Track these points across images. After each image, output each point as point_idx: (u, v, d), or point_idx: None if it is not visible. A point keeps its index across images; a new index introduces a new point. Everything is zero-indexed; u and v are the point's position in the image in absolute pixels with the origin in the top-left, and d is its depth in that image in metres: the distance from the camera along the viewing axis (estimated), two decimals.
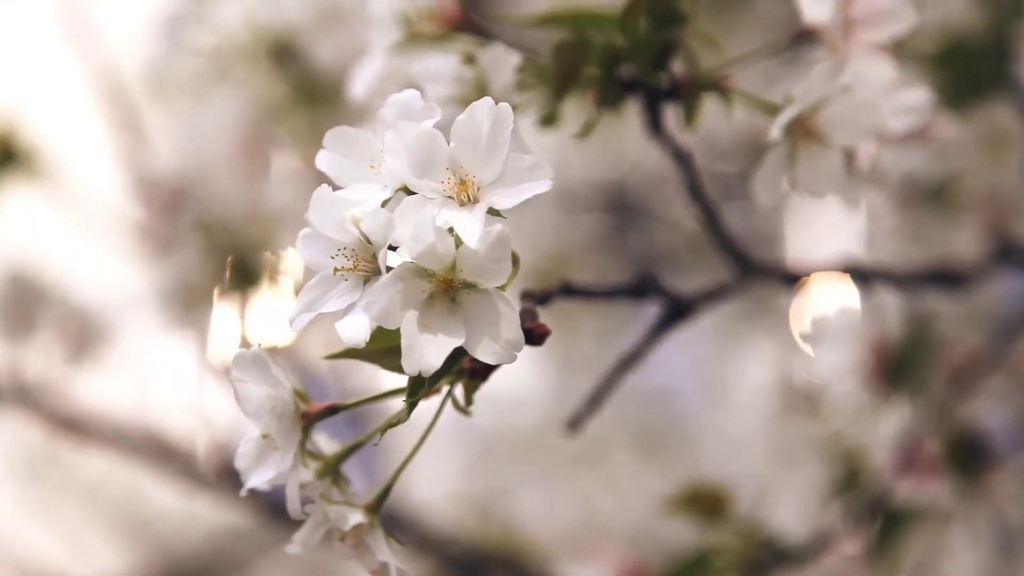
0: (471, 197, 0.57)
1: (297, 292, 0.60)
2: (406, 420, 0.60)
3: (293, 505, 0.60)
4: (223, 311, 1.42)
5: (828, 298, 1.18)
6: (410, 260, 0.55)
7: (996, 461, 1.15)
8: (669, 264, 1.80)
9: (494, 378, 2.03)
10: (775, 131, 0.69)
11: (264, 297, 1.39)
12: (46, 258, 1.67)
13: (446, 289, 0.56)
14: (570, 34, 0.71)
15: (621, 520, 1.72)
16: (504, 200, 0.56)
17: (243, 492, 0.61)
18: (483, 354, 0.56)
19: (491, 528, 1.75)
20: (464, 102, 0.70)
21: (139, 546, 1.88)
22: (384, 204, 0.57)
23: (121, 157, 1.56)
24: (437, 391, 0.62)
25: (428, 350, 0.56)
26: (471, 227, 0.55)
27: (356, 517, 0.61)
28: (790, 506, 1.20)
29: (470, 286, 0.56)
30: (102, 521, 1.93)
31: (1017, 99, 1.05)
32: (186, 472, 1.57)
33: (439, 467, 1.89)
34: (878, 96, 0.71)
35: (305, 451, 0.62)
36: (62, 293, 1.63)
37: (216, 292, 1.43)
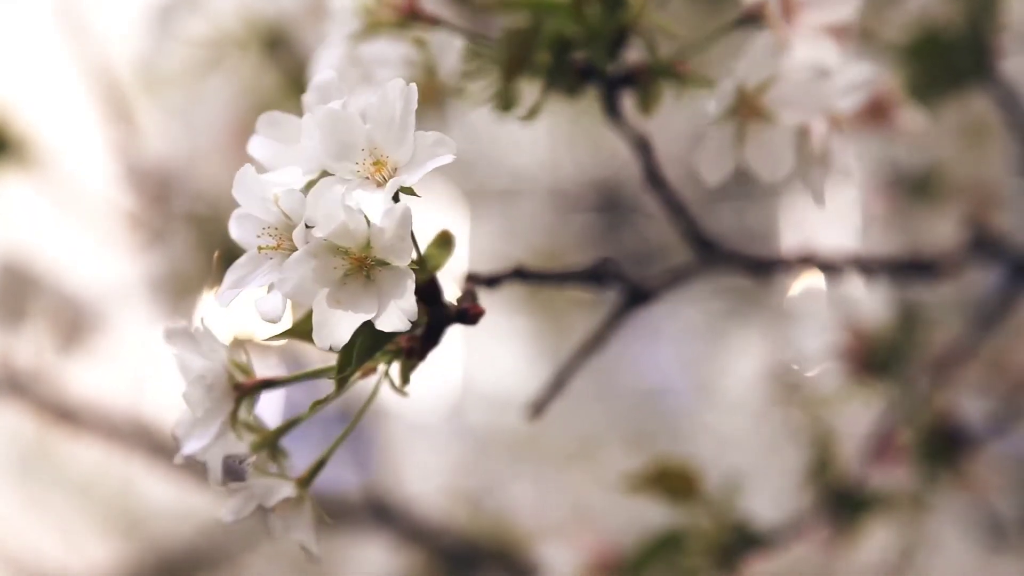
0: (386, 178, 0.58)
1: None
2: (335, 398, 0.61)
3: (213, 475, 0.62)
4: (212, 301, 1.42)
5: (807, 287, 1.18)
6: (323, 238, 0.56)
7: (974, 450, 1.16)
8: (661, 261, 1.80)
9: (486, 374, 2.02)
10: (713, 104, 0.70)
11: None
12: (37, 248, 1.67)
13: (360, 267, 0.57)
14: (521, 20, 0.72)
15: (612, 516, 1.72)
16: (409, 177, 0.57)
17: (176, 460, 0.62)
18: (383, 324, 0.57)
19: (482, 522, 1.74)
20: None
21: (131, 540, 1.88)
22: (309, 186, 0.58)
23: (112, 147, 1.56)
24: (373, 370, 0.63)
25: (339, 325, 0.57)
26: (376, 205, 0.56)
27: (284, 491, 0.61)
28: (770, 493, 1.20)
29: (383, 263, 0.57)
30: (94, 515, 1.93)
31: (996, 91, 1.06)
32: (178, 464, 1.56)
33: (431, 462, 1.89)
34: (822, 76, 0.71)
35: (238, 423, 0.62)
36: (53, 283, 1.63)
37: (207, 282, 1.43)
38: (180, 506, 1.77)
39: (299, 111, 0.62)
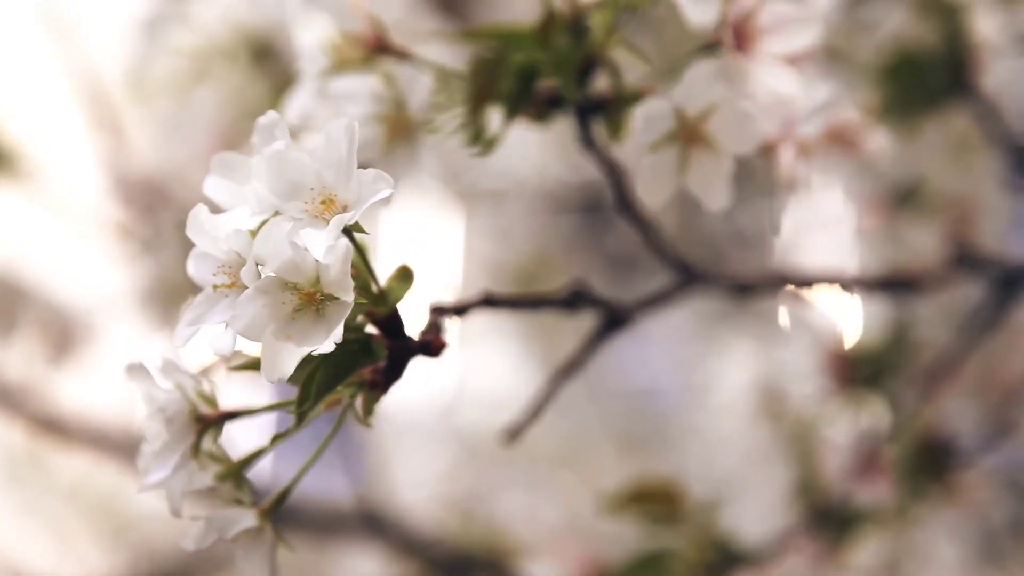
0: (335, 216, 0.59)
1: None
2: (295, 432, 0.62)
3: (173, 506, 0.62)
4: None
5: (794, 303, 1.18)
6: (272, 274, 0.57)
7: (962, 463, 1.16)
8: (648, 265, 1.79)
9: (477, 381, 2.02)
10: (640, 124, 0.70)
11: None
12: (27, 258, 1.67)
13: (310, 301, 0.58)
14: (488, 51, 0.72)
15: (602, 523, 1.72)
16: (353, 214, 0.58)
17: (139, 490, 0.63)
18: (319, 349, 0.57)
19: (474, 530, 1.74)
20: (384, 120, 0.74)
21: (122, 547, 1.88)
22: (263, 225, 0.59)
23: (101, 157, 1.56)
24: (338, 402, 0.63)
25: (286, 358, 0.58)
26: (318, 242, 0.57)
27: (244, 522, 0.61)
28: (757, 504, 1.20)
29: (332, 298, 0.58)
30: (85, 522, 1.93)
31: (977, 106, 1.06)
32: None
33: (423, 469, 1.89)
34: (778, 106, 0.71)
35: (202, 454, 0.63)
36: (43, 293, 1.63)
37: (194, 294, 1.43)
38: (169, 514, 1.76)
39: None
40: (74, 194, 1.62)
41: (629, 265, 1.83)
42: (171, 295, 1.46)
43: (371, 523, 1.55)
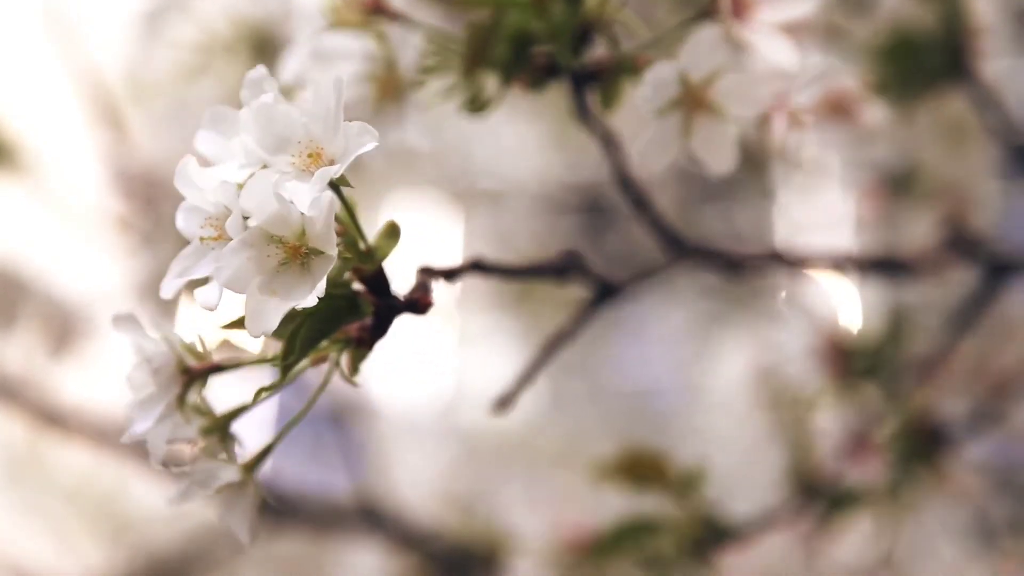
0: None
1: None
2: (281, 386, 0.62)
3: (154, 455, 0.62)
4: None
5: (790, 288, 1.19)
6: (257, 226, 0.57)
7: (953, 449, 1.16)
8: (646, 265, 1.79)
9: (477, 380, 2.01)
10: (649, 91, 0.70)
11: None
12: (27, 252, 1.68)
13: (295, 255, 0.58)
14: (485, 15, 0.72)
15: (602, 518, 1.72)
16: (338, 167, 0.58)
17: (124, 439, 0.63)
18: (302, 303, 0.57)
19: (474, 526, 1.74)
20: (375, 79, 0.75)
21: (122, 544, 1.88)
22: (249, 179, 0.59)
23: (102, 152, 1.57)
24: (323, 359, 0.63)
25: (271, 313, 0.58)
26: (303, 194, 0.57)
27: (227, 475, 0.61)
28: (755, 495, 1.21)
29: (317, 252, 0.58)
30: (84, 522, 1.93)
31: (974, 93, 1.06)
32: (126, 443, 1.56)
33: (422, 465, 1.89)
34: (772, 72, 0.71)
35: (188, 408, 0.63)
36: (43, 287, 1.64)
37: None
38: (170, 510, 1.76)
39: None
40: (74, 188, 1.63)
41: (628, 266, 1.83)
42: None
43: (370, 518, 1.55)
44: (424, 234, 1.96)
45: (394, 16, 0.75)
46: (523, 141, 1.84)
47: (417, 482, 1.82)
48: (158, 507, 1.80)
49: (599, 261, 1.89)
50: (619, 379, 1.92)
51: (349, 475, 1.56)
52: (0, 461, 1.92)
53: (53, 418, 1.61)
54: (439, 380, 1.97)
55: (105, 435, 1.60)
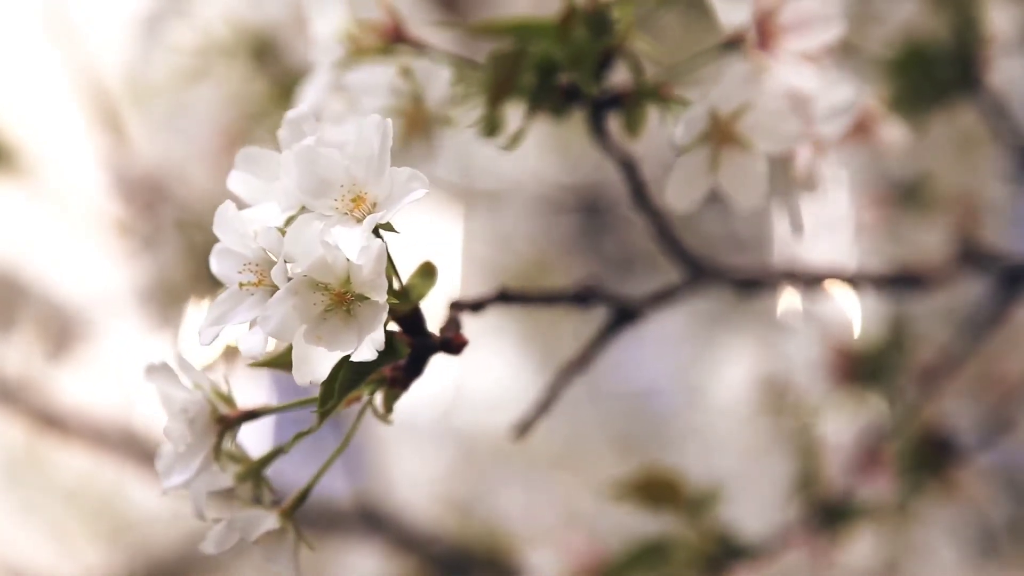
0: (365, 214, 0.58)
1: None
2: (316, 430, 0.60)
3: (197, 508, 0.61)
4: (201, 311, 1.42)
5: (795, 299, 1.18)
6: (303, 274, 0.56)
7: (962, 460, 1.16)
8: (647, 265, 1.80)
9: (476, 381, 2.01)
10: (681, 130, 0.69)
11: None
12: (26, 256, 1.67)
13: (340, 302, 0.57)
14: (508, 44, 0.71)
15: (601, 522, 1.72)
16: (386, 213, 0.57)
17: (163, 492, 0.62)
18: (357, 356, 0.56)
19: (473, 528, 1.74)
20: (401, 114, 0.73)
21: (121, 545, 1.88)
22: (289, 222, 0.58)
23: (101, 155, 1.56)
24: (357, 399, 0.62)
25: (318, 361, 0.57)
26: (351, 242, 0.56)
27: (267, 523, 0.60)
28: (757, 501, 1.21)
29: (363, 298, 0.57)
30: (84, 522, 1.93)
31: (984, 102, 1.06)
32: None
33: (422, 468, 1.89)
34: (798, 104, 0.71)
35: (222, 454, 0.62)
36: (42, 291, 1.63)
37: (195, 291, 1.43)
38: (169, 512, 1.76)
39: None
40: (74, 191, 1.62)
41: (627, 266, 1.84)
42: (170, 293, 1.46)
43: (370, 520, 1.55)
44: (423, 234, 1.96)
45: (415, 45, 0.74)
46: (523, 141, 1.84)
47: (416, 484, 1.82)
48: (157, 508, 1.80)
49: (597, 261, 1.90)
50: (619, 381, 1.92)
51: (349, 477, 1.55)
52: (0, 463, 1.91)
53: (52, 420, 1.60)
54: (438, 382, 1.97)
55: (104, 437, 1.60)
